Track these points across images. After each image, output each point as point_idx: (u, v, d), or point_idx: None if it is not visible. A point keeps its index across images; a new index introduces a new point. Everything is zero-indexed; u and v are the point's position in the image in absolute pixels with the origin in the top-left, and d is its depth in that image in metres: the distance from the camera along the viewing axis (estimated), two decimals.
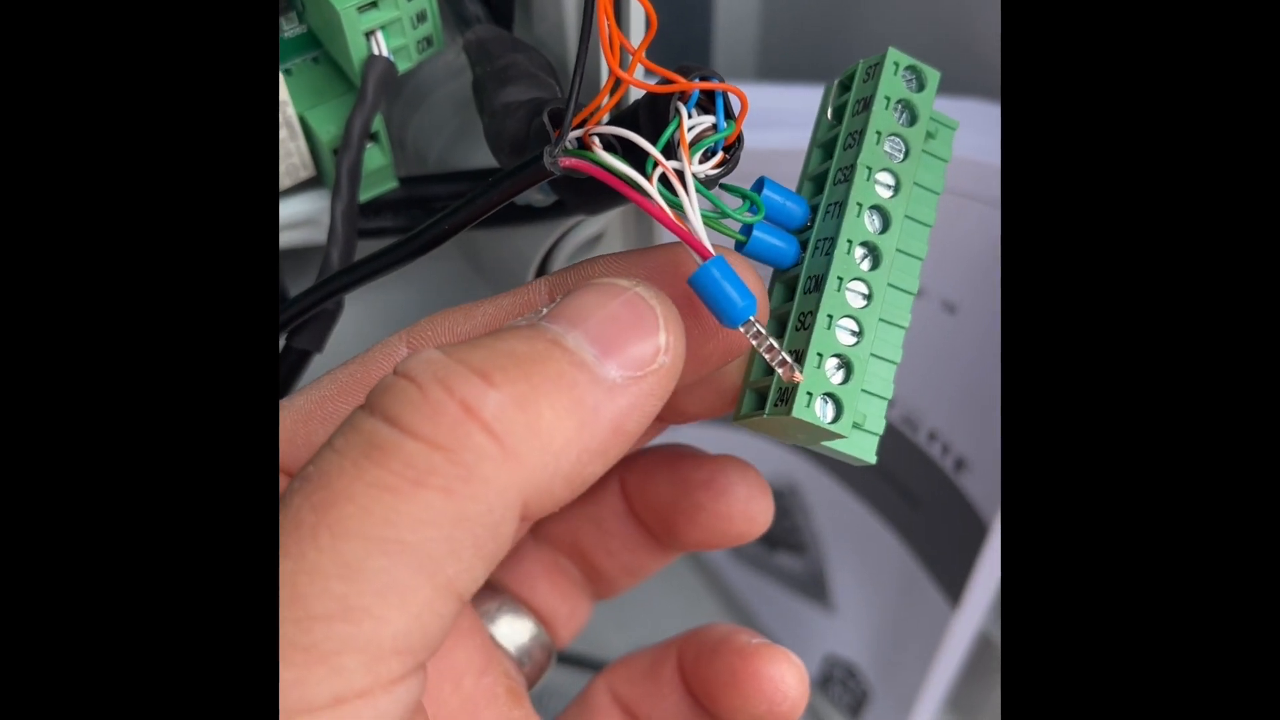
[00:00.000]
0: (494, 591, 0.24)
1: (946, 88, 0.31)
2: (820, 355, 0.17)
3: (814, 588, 0.45)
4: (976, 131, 0.30)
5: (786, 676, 0.21)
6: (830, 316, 0.18)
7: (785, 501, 0.44)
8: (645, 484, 0.23)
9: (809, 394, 0.17)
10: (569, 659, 0.34)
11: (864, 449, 0.18)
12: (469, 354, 0.15)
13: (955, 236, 0.31)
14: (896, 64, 0.19)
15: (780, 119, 0.31)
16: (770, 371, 0.18)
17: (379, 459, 0.14)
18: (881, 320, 0.18)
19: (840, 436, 0.17)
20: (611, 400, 0.15)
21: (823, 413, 0.17)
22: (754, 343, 0.17)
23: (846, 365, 0.17)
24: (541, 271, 0.28)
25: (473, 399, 0.14)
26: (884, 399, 0.18)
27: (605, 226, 0.28)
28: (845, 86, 0.20)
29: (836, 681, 0.45)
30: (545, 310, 0.16)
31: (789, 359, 0.17)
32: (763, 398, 0.18)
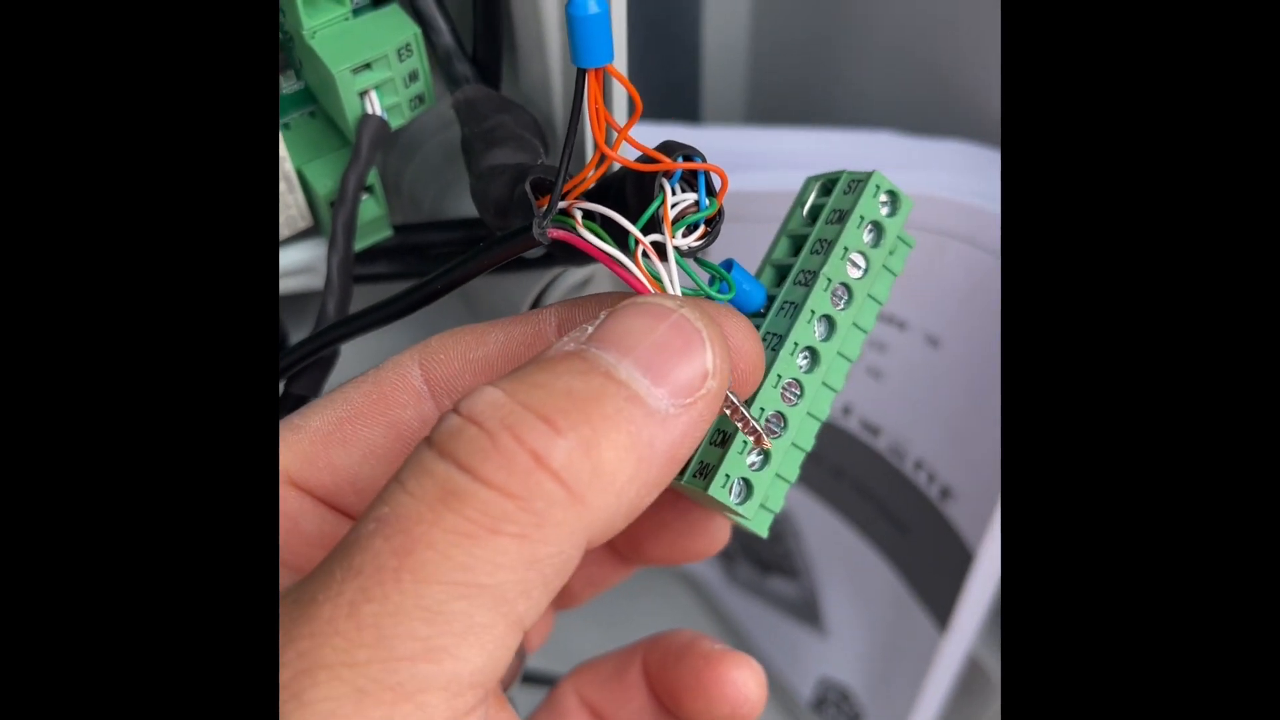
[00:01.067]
0: None
1: (929, 128, 0.32)
2: (746, 443, 0.19)
3: (807, 611, 0.46)
4: (958, 173, 0.31)
5: (749, 681, 0.22)
6: (763, 409, 0.19)
7: (779, 526, 0.44)
8: None
9: (727, 475, 0.19)
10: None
11: (760, 524, 0.19)
12: (530, 396, 0.15)
13: (938, 274, 0.32)
14: (878, 186, 0.20)
15: (767, 161, 0.32)
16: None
17: (455, 506, 0.15)
18: (808, 414, 0.19)
19: (744, 517, 0.19)
20: (666, 432, 0.16)
21: (735, 495, 0.19)
22: (727, 412, 0.18)
23: (764, 453, 0.19)
24: None
25: (542, 448, 0.15)
26: (789, 482, 0.19)
27: (592, 273, 0.29)
28: (826, 189, 0.21)
29: (830, 704, 0.46)
30: (590, 329, 0.17)
31: (759, 428, 0.18)
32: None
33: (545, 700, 0.25)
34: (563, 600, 0.26)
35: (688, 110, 0.37)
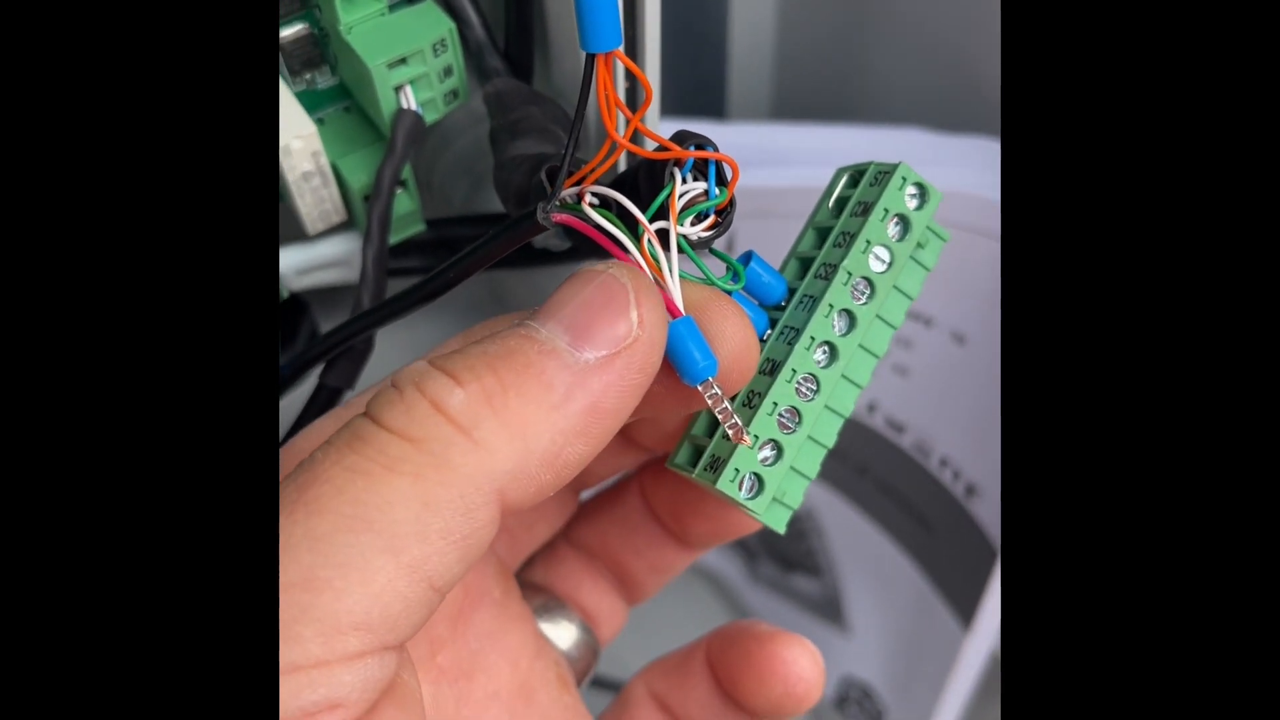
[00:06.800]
0: (541, 592, 0.25)
1: (956, 124, 0.32)
2: (758, 437, 0.19)
3: (830, 609, 0.46)
4: (985, 169, 0.31)
5: (800, 659, 0.22)
6: (775, 404, 0.19)
7: (802, 524, 0.44)
8: (658, 484, 0.25)
9: (736, 470, 0.19)
10: (603, 683, 0.35)
11: (777, 520, 0.19)
12: (446, 360, 0.16)
13: (964, 270, 0.32)
14: (904, 179, 0.20)
15: (793, 157, 0.33)
16: (713, 432, 0.20)
17: (357, 447, 0.15)
18: (827, 408, 0.19)
19: (755, 512, 0.19)
20: (584, 381, 0.16)
21: (745, 489, 0.19)
22: (709, 403, 0.18)
23: (778, 447, 0.19)
24: None
25: (440, 397, 0.16)
26: (808, 478, 0.19)
27: None
28: (854, 181, 0.21)
29: (853, 702, 0.46)
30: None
31: (739, 423, 0.18)
32: (698, 453, 0.20)
33: (617, 696, 0.25)
34: (634, 592, 0.26)
35: (714, 107, 0.38)
